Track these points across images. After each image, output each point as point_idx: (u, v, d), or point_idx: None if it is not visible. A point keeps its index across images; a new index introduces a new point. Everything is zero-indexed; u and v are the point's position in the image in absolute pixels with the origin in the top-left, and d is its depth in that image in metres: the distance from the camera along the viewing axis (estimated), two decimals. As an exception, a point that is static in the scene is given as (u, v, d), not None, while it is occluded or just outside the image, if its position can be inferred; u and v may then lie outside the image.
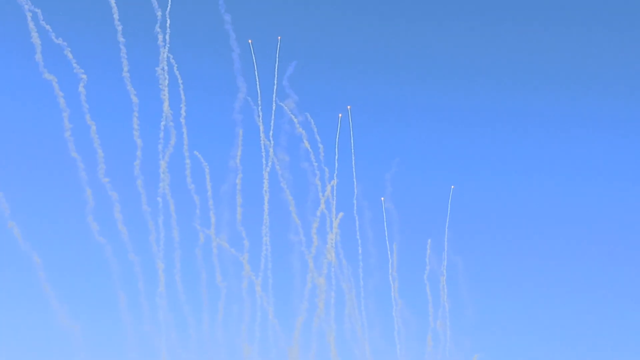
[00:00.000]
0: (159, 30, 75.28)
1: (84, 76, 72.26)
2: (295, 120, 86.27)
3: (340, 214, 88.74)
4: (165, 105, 76.26)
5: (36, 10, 70.74)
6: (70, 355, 72.02)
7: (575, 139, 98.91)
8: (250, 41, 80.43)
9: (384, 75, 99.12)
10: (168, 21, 75.77)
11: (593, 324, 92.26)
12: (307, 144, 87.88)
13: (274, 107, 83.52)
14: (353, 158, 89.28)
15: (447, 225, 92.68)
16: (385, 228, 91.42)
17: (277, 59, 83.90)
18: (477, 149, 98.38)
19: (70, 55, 71.73)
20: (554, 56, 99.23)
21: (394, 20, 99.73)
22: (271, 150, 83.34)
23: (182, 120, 77.85)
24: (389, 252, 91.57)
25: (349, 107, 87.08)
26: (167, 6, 75.63)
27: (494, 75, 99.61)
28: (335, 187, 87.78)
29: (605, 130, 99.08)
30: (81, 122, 72.19)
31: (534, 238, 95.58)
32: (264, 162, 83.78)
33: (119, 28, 73.82)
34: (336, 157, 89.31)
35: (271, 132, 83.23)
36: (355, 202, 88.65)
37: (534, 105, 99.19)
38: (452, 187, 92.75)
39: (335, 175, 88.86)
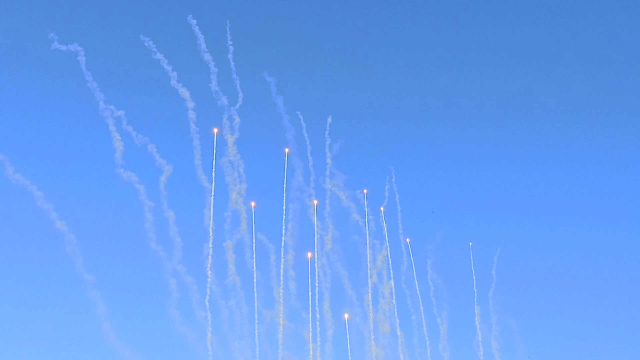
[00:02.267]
0: (226, 122, 79.05)
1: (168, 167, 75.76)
2: (343, 196, 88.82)
3: (391, 282, 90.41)
4: (234, 195, 79.15)
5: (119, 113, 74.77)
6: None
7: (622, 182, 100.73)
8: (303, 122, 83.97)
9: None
10: (236, 119, 79.62)
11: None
12: (357, 217, 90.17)
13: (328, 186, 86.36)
14: (401, 231, 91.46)
15: (492, 287, 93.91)
16: (433, 298, 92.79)
17: (327, 138, 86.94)
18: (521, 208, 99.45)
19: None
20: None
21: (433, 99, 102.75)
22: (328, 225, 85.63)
23: (242, 207, 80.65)
24: (439, 321, 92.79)
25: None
26: (237, 103, 79.46)
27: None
28: (389, 257, 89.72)
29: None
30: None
31: (585, 290, 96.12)
32: (316, 238, 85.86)
33: (193, 125, 77.62)
34: (385, 228, 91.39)
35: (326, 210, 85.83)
36: (415, 274, 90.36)
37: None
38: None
39: (386, 246, 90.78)
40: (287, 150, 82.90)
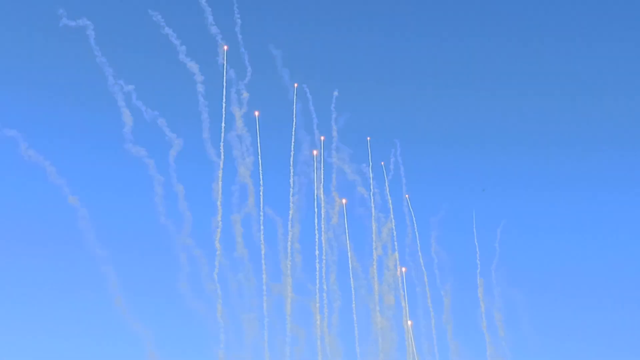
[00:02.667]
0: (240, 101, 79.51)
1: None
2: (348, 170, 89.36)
3: (396, 254, 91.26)
4: (242, 169, 79.58)
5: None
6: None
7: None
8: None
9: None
10: (245, 94, 79.81)
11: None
12: (362, 190, 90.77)
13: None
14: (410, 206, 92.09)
15: (496, 260, 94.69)
16: (436, 270, 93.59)
17: (332, 111, 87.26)
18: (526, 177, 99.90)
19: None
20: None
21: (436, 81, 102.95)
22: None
23: (249, 181, 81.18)
24: (442, 293, 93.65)
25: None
26: (245, 77, 79.77)
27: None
28: (394, 230, 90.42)
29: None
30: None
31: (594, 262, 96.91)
32: (316, 210, 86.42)
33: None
34: (390, 201, 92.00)
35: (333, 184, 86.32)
36: (419, 250, 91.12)
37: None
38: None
39: (391, 219, 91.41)
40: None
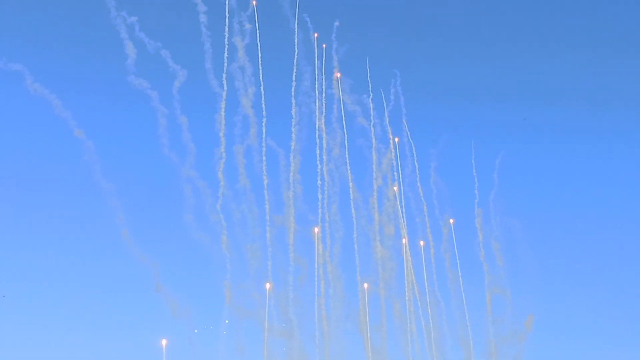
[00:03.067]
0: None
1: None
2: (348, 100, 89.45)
3: (396, 184, 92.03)
4: (244, 100, 79.73)
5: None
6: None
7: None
8: (315, 35, 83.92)
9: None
10: (247, 25, 79.56)
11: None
12: (362, 121, 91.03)
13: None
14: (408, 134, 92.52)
15: (494, 191, 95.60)
16: (435, 201, 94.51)
17: (333, 41, 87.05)
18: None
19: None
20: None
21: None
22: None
23: (251, 112, 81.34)
24: (441, 223, 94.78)
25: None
26: (248, 9, 79.47)
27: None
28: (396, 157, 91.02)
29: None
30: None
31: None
32: (318, 142, 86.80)
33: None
34: (389, 131, 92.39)
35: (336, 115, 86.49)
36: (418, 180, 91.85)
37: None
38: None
39: (390, 150, 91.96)
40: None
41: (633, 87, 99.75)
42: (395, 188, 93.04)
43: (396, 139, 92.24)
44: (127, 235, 73.53)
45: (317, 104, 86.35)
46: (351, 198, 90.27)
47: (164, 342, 72.00)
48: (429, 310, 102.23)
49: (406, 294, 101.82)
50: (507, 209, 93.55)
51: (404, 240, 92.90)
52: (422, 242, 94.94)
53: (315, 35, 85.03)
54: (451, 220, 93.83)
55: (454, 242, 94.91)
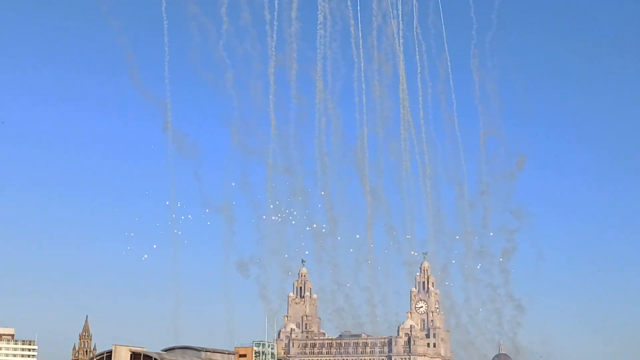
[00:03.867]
0: None
1: None
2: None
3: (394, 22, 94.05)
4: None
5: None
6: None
7: None
8: None
9: None
10: None
11: None
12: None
13: None
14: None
15: (493, 29, 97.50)
16: (433, 43, 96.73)
17: None
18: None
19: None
20: None
21: None
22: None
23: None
24: (437, 64, 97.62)
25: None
26: None
27: None
28: None
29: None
30: None
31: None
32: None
33: None
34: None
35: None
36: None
37: None
38: None
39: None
40: None
41: None
42: (393, 24, 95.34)
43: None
44: (135, 74, 76.42)
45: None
46: (352, 36, 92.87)
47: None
48: (425, 149, 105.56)
49: (402, 133, 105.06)
50: (504, 50, 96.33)
51: (401, 79, 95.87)
52: (419, 82, 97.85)
53: None
54: (448, 61, 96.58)
55: (451, 83, 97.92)
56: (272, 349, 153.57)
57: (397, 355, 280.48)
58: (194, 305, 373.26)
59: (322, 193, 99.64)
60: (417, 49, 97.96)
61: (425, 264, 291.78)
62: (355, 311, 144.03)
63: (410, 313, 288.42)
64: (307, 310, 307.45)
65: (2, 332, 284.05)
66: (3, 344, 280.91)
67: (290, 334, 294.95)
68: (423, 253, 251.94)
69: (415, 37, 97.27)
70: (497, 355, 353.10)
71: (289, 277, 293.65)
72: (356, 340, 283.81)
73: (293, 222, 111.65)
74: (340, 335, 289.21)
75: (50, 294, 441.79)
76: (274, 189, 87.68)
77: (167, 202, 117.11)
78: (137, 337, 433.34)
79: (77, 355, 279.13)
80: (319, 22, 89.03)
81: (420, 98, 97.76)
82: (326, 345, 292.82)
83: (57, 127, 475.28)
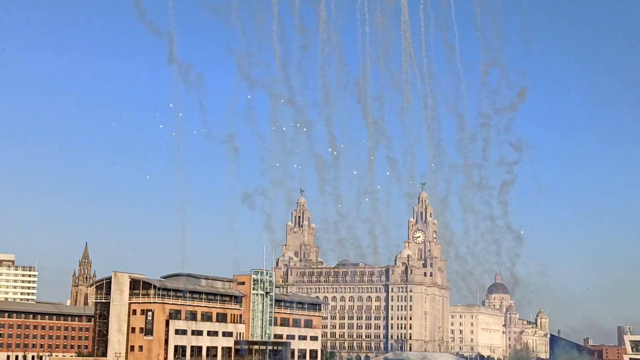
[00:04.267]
0: None
1: None
2: None
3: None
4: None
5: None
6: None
7: None
8: None
9: None
10: None
11: None
12: None
13: None
14: None
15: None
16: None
17: None
18: None
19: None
20: None
21: None
22: None
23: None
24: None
25: None
26: None
27: None
28: None
29: None
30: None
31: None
32: None
33: None
34: None
35: None
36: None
37: None
38: None
39: None
40: None
41: None
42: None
43: None
44: (140, 5, 75.50)
45: None
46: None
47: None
48: (426, 80, 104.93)
49: (403, 65, 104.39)
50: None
51: (403, 10, 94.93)
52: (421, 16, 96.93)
53: None
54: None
55: (453, 15, 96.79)
56: (270, 277, 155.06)
57: (394, 284, 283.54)
58: (198, 234, 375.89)
59: (325, 123, 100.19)
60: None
61: (424, 195, 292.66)
62: (357, 241, 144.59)
63: (408, 243, 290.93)
64: (306, 239, 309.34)
65: (2, 258, 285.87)
66: (3, 270, 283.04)
67: (289, 262, 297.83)
68: (421, 184, 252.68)
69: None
70: (493, 285, 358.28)
71: (291, 207, 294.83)
72: (354, 269, 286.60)
73: (297, 151, 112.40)
74: (338, 264, 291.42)
75: (51, 220, 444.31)
76: (278, 120, 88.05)
77: (173, 134, 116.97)
78: (138, 265, 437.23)
79: (77, 281, 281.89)
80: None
81: (423, 29, 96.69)
82: (324, 274, 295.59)
83: (64, 63, 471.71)
